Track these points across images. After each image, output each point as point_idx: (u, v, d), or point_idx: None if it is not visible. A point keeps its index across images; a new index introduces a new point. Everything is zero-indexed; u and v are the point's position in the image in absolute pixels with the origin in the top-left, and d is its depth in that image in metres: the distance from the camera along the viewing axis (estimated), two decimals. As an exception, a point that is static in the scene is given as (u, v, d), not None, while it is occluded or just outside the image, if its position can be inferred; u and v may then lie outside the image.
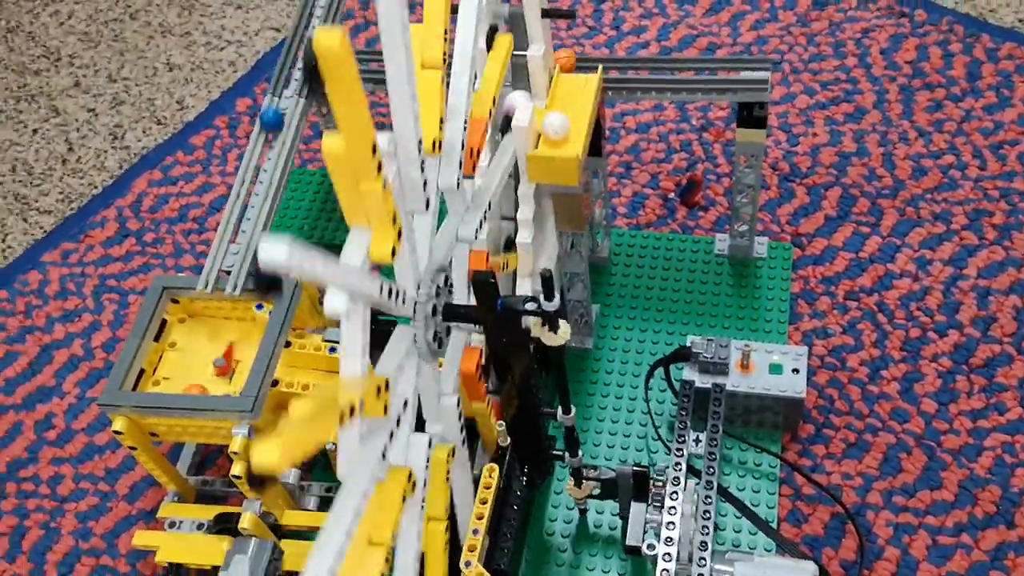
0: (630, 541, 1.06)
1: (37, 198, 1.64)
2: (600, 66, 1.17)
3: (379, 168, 0.69)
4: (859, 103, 1.60)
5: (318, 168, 1.61)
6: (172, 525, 1.17)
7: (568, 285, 1.27)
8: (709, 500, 1.05)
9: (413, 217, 0.84)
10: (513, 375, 0.96)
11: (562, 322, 0.88)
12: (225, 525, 1.15)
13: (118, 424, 1.09)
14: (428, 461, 0.87)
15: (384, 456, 0.78)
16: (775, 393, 1.17)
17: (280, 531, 1.16)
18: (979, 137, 1.52)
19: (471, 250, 1.00)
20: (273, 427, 1.11)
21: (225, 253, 1.18)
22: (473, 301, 0.90)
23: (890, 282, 1.36)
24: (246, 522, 1.10)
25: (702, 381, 1.18)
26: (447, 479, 0.91)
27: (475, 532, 1.03)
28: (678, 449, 1.09)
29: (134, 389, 1.12)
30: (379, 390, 0.75)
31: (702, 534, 1.02)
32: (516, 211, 1.11)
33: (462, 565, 1.01)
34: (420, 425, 0.90)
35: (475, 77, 0.98)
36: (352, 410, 0.70)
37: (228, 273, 1.17)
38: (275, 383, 1.13)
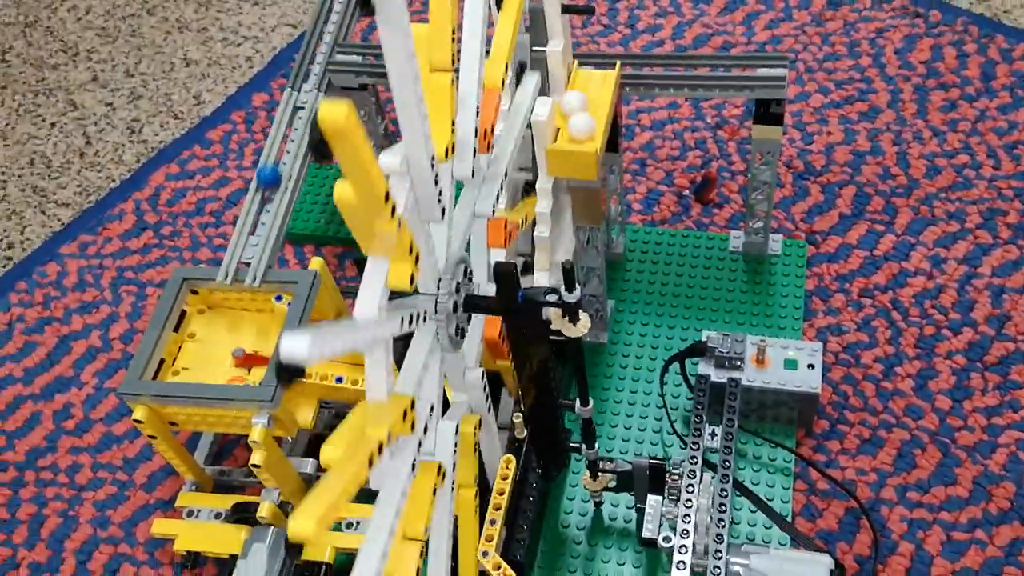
0: (646, 533, 1.07)
1: (55, 191, 1.65)
2: (618, 62, 1.18)
3: (392, 211, 0.69)
4: (873, 102, 1.60)
5: (334, 163, 1.62)
6: (190, 514, 1.18)
7: (584, 280, 1.28)
8: (725, 493, 1.06)
9: (429, 224, 0.85)
10: (532, 366, 0.97)
11: (582, 314, 0.88)
12: (243, 514, 1.16)
13: (138, 413, 1.10)
14: (456, 445, 0.89)
15: (414, 467, 0.80)
16: (790, 388, 1.18)
17: (297, 521, 1.17)
18: (993, 137, 1.53)
19: (489, 220, 1.00)
20: (290, 417, 1.13)
21: (245, 245, 1.19)
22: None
23: (904, 280, 1.37)
24: (265, 511, 1.11)
25: (718, 376, 1.19)
26: (475, 448, 0.93)
27: (492, 522, 1.04)
28: (694, 443, 1.10)
29: (154, 379, 1.13)
30: (405, 413, 0.77)
31: (718, 527, 1.03)
32: (533, 161, 1.10)
33: (480, 555, 1.02)
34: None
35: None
36: (381, 447, 0.72)
37: (247, 265, 1.18)
38: (294, 374, 1.14)
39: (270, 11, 1.91)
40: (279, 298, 1.17)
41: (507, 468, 1.08)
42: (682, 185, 1.52)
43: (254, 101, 1.73)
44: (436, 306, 0.85)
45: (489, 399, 1.01)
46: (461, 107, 0.89)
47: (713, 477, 1.07)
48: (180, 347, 1.19)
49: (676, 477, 1.06)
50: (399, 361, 0.83)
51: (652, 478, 1.08)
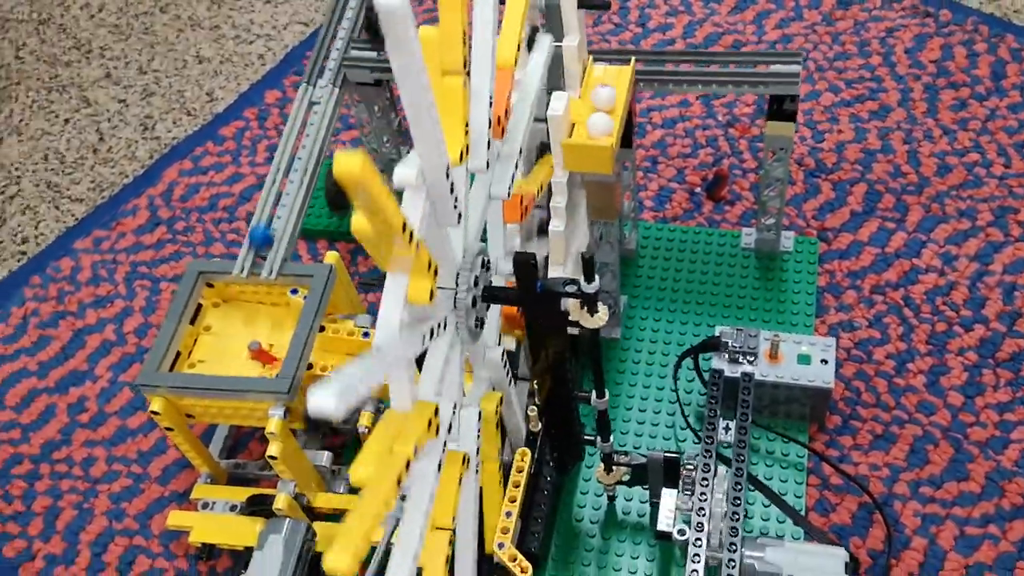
0: (661, 526, 1.07)
1: (69, 186, 1.66)
2: (632, 58, 1.18)
3: (411, 238, 0.70)
4: (884, 101, 1.61)
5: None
6: (205, 506, 1.19)
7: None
8: (739, 487, 1.06)
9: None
10: (549, 357, 0.97)
11: (600, 305, 0.89)
12: (258, 507, 1.16)
13: (155, 404, 1.11)
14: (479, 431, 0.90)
15: (440, 467, 0.82)
16: (803, 383, 1.18)
17: (313, 513, 1.17)
18: (1004, 136, 1.53)
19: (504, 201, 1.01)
20: (306, 408, 1.13)
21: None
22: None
23: (916, 277, 1.37)
24: (281, 502, 1.12)
25: (731, 370, 1.19)
26: (498, 425, 0.95)
27: (508, 514, 1.05)
28: (708, 436, 1.11)
29: (170, 371, 1.14)
30: (430, 422, 0.78)
31: (732, 520, 1.03)
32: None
33: (495, 547, 1.03)
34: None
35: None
36: (408, 464, 0.73)
37: (263, 258, 1.19)
38: (309, 366, 1.15)
39: (282, 9, 1.92)
40: (295, 291, 1.18)
41: (522, 461, 1.08)
42: (694, 182, 1.53)
43: (267, 98, 1.74)
44: (455, 302, 0.85)
45: (510, 374, 1.01)
46: (474, 100, 0.89)
47: (727, 471, 1.08)
48: (196, 340, 1.19)
49: (691, 470, 1.07)
50: (419, 360, 0.84)
51: (667, 472, 1.09)
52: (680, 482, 1.07)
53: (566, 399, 1.03)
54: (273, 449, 1.08)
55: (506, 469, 1.06)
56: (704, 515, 1.04)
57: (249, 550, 1.13)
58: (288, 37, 1.87)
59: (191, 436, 1.17)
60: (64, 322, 1.46)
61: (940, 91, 1.61)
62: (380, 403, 1.23)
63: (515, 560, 1.03)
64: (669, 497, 1.09)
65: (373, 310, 1.31)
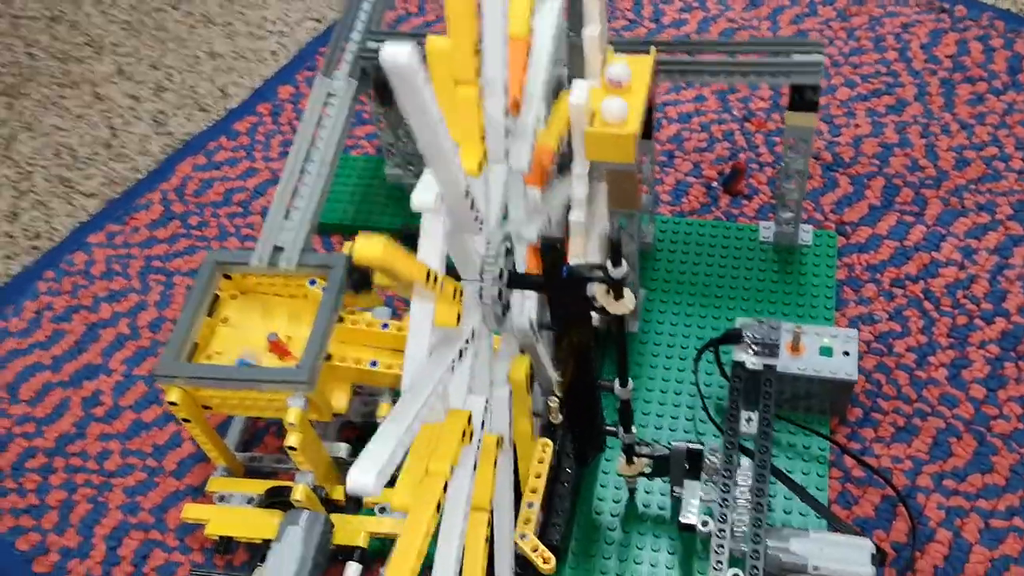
0: (684, 518, 1.07)
1: (81, 181, 1.66)
2: (652, 47, 1.17)
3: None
4: (900, 95, 1.60)
5: (361, 155, 1.62)
6: (221, 499, 1.18)
7: (616, 267, 1.27)
8: (763, 478, 1.05)
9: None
10: (573, 345, 0.96)
11: (626, 291, 0.88)
12: (276, 499, 1.15)
13: (173, 395, 1.10)
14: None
15: (475, 466, 0.83)
16: (826, 375, 1.17)
17: (331, 506, 1.16)
18: (1022, 130, 1.52)
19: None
20: (325, 401, 1.13)
21: (280, 229, 1.19)
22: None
23: (936, 270, 1.36)
24: (299, 494, 1.11)
25: (752, 362, 1.18)
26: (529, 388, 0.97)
27: (530, 505, 1.04)
28: (731, 428, 1.10)
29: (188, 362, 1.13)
30: (464, 433, 0.79)
31: (756, 512, 1.02)
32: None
33: (518, 538, 1.02)
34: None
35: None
36: (445, 485, 0.76)
37: (281, 250, 1.18)
38: (328, 357, 1.14)
39: (294, 5, 1.92)
40: (313, 282, 1.17)
41: (544, 452, 1.07)
42: (710, 176, 1.52)
43: (280, 94, 1.73)
44: (481, 294, 0.85)
45: (537, 333, 1.00)
46: (488, 94, 0.86)
47: (750, 463, 1.07)
48: (213, 332, 1.18)
49: (714, 462, 1.06)
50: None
51: (689, 463, 1.08)
52: (703, 474, 1.06)
53: (589, 388, 1.02)
54: (292, 440, 1.07)
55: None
56: (728, 507, 1.03)
57: (266, 543, 1.12)
58: (301, 33, 1.86)
59: (208, 428, 1.16)
60: (78, 316, 1.45)
61: (957, 86, 1.60)
62: (396, 395, 1.22)
63: (537, 551, 1.02)
64: (692, 489, 1.08)
65: (391, 302, 1.30)
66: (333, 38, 1.33)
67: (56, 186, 1.65)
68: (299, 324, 1.18)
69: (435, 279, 0.74)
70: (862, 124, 1.56)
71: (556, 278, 0.86)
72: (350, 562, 1.12)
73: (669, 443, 1.08)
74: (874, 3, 1.75)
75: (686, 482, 1.09)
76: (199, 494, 1.25)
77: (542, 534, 1.07)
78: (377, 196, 1.55)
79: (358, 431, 1.26)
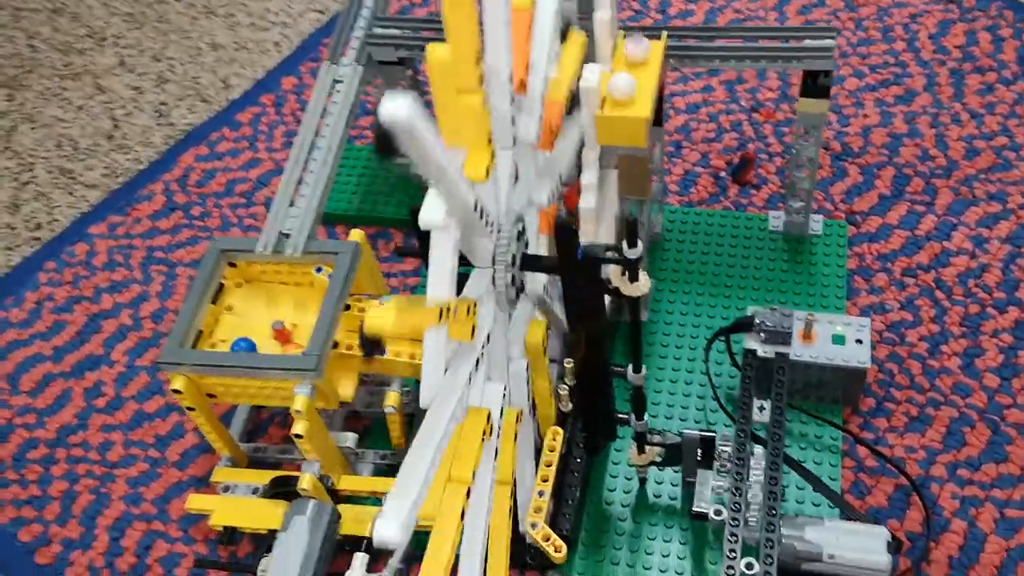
0: (698, 507, 1.05)
1: (82, 172, 1.64)
2: (663, 32, 1.16)
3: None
4: (909, 86, 1.59)
5: (365, 145, 1.61)
6: (226, 489, 1.16)
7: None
8: (776, 466, 1.04)
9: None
10: (586, 329, 0.95)
11: (642, 273, 0.87)
12: (281, 489, 1.13)
13: (177, 383, 1.08)
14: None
15: (496, 454, 0.83)
16: (838, 363, 1.16)
17: (337, 496, 1.15)
18: (1032, 120, 1.52)
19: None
20: (332, 389, 1.11)
21: (286, 215, 1.17)
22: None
23: (947, 259, 1.35)
24: (306, 483, 1.09)
25: (764, 351, 1.16)
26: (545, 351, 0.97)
27: (541, 493, 1.02)
28: (743, 416, 1.08)
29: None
30: (485, 432, 0.80)
31: (770, 500, 1.01)
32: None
33: (528, 526, 1.00)
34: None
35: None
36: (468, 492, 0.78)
37: (287, 236, 1.16)
38: (335, 344, 1.12)
39: (297, -3, 1.90)
40: (319, 269, 1.15)
41: (555, 439, 1.06)
42: (718, 166, 1.51)
43: (283, 85, 1.72)
44: (494, 281, 0.84)
45: (550, 294, 0.99)
46: (493, 82, 0.84)
47: (763, 451, 1.05)
48: (217, 320, 1.17)
49: (726, 450, 1.04)
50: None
51: (702, 452, 1.06)
52: (715, 462, 1.05)
53: (602, 373, 1.01)
54: (299, 428, 1.06)
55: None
56: (741, 495, 1.01)
57: (272, 534, 1.10)
58: (304, 24, 1.85)
59: (212, 417, 1.14)
60: (79, 307, 1.44)
61: (966, 76, 1.59)
62: (404, 384, 1.20)
63: (549, 540, 1.00)
64: (705, 478, 1.06)
65: (397, 293, 1.28)
66: (339, 24, 1.31)
67: (57, 177, 1.64)
68: (305, 312, 1.17)
69: (447, 312, 0.73)
70: (871, 114, 1.55)
71: (570, 260, 0.85)
72: (357, 552, 1.10)
73: (680, 432, 1.07)
74: (882, -6, 1.74)
75: (699, 471, 1.07)
76: (202, 485, 1.23)
77: (552, 524, 1.05)
78: (382, 187, 1.53)
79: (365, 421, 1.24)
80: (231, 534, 1.15)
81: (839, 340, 1.17)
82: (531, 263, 0.88)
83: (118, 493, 1.24)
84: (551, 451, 1.05)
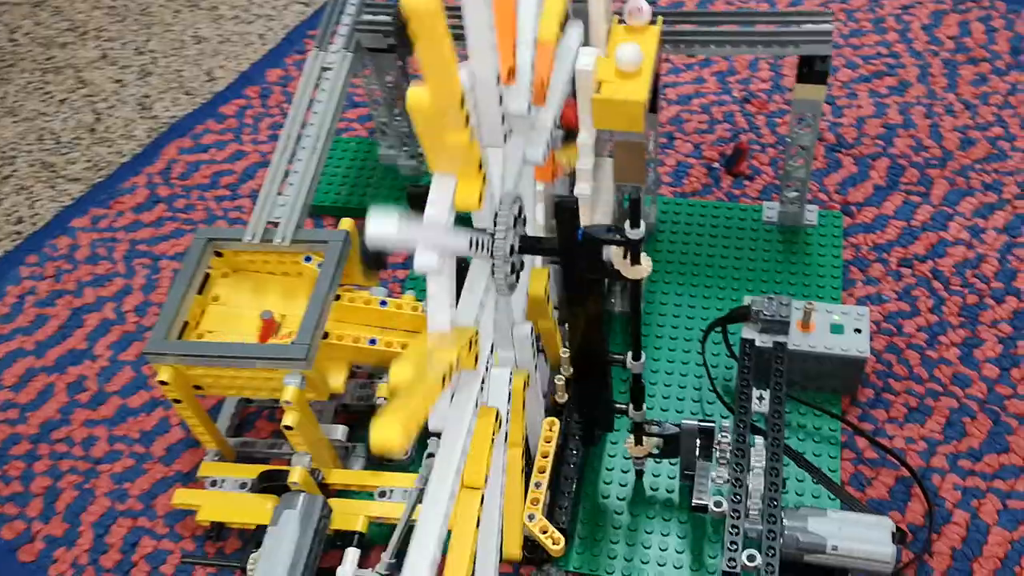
0: (697, 499, 1.03)
1: (65, 166, 1.61)
2: (659, 17, 1.14)
3: (467, 120, 0.67)
4: (902, 76, 1.58)
5: (353, 137, 1.58)
6: (213, 484, 1.13)
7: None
8: (777, 457, 1.02)
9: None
10: (585, 315, 0.92)
11: (644, 255, 0.85)
12: (270, 483, 1.11)
13: (163, 374, 1.05)
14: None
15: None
16: (837, 352, 1.14)
17: (327, 490, 1.12)
18: (1026, 110, 1.51)
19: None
20: (323, 379, 1.09)
21: (273, 205, 1.15)
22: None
23: (944, 250, 1.34)
24: (296, 476, 1.06)
25: (762, 340, 1.15)
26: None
27: (537, 485, 1.00)
28: (742, 407, 1.06)
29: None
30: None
31: (771, 491, 0.99)
32: None
33: (526, 519, 0.98)
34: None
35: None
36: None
37: (275, 225, 1.14)
38: (325, 335, 1.10)
39: (282, -11, 1.88)
40: (309, 259, 1.13)
41: (551, 430, 1.03)
42: (711, 157, 1.49)
43: (268, 77, 1.69)
44: (493, 245, 0.81)
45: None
46: (480, 86, 0.79)
47: (762, 442, 1.03)
48: (204, 311, 1.14)
49: (725, 441, 1.02)
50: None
51: (701, 443, 1.04)
52: (714, 454, 1.03)
53: (600, 361, 0.98)
54: (289, 419, 1.03)
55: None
56: (741, 486, 0.99)
57: (261, 529, 1.07)
58: (288, 17, 1.82)
59: (200, 409, 1.11)
60: (61, 301, 1.40)
61: (959, 66, 1.58)
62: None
63: (547, 532, 0.98)
64: (705, 470, 1.04)
65: (387, 284, 1.26)
66: (328, 9, 1.29)
67: (39, 171, 1.61)
68: (293, 302, 1.14)
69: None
70: (864, 105, 1.54)
71: (570, 241, 0.83)
72: (349, 548, 1.07)
73: (679, 423, 1.05)
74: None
75: (698, 463, 1.05)
76: (188, 480, 1.20)
77: (548, 516, 1.03)
78: (370, 178, 1.51)
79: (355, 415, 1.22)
80: (219, 530, 1.13)
81: (837, 329, 1.16)
82: (530, 246, 0.85)
83: (102, 489, 1.21)
84: (547, 442, 1.03)
